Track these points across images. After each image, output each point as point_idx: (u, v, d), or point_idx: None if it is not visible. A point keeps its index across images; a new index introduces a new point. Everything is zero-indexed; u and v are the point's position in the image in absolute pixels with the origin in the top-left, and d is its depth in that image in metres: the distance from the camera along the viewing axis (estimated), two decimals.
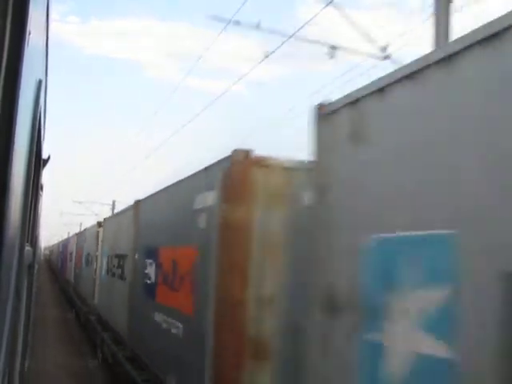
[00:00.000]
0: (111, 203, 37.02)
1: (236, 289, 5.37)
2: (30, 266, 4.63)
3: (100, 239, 15.74)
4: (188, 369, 6.47)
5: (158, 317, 7.92)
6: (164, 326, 7.57)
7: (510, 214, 2.28)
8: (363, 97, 3.51)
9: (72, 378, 12.67)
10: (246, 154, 5.70)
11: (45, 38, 2.83)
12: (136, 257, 10.12)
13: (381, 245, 3.16)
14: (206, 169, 6.60)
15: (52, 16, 3.24)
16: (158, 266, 8.32)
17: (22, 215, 2.17)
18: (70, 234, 35.57)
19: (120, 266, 11.75)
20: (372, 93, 3.42)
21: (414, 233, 2.91)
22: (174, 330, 7.11)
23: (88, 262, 18.47)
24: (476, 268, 2.44)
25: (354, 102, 3.64)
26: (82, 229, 26.83)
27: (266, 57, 9.98)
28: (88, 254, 18.69)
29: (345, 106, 3.77)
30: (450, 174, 2.68)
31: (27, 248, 3.10)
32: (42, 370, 12.22)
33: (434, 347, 2.61)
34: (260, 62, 10.36)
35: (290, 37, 9.37)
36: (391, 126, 3.25)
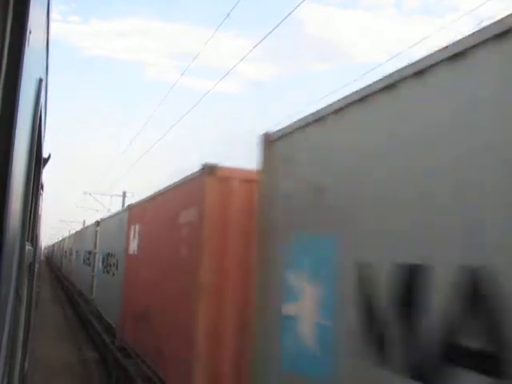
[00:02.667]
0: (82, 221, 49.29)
1: None
2: (31, 266, 4.63)
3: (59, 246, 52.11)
4: None
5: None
6: None
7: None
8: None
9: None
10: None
11: (45, 36, 2.83)
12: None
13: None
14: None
15: (52, 16, 3.23)
16: None
17: (23, 214, 2.17)
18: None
19: (59, 254, 49.62)
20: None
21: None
22: None
23: (63, 255, 42.60)
24: None
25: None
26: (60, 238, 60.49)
27: (243, 58, 10.48)
28: (64, 252, 42.15)
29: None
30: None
31: (28, 247, 3.09)
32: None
33: None
34: (241, 60, 10.65)
35: (270, 32, 9.70)
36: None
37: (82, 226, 33.36)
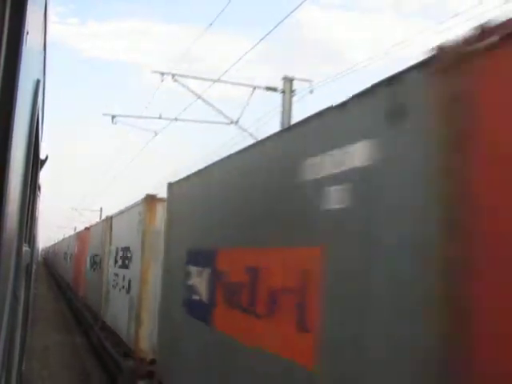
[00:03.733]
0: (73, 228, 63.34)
1: None
2: (28, 267, 4.63)
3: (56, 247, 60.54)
4: None
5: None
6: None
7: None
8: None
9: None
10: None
11: (43, 37, 2.83)
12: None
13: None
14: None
15: (51, 18, 3.23)
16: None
17: (20, 215, 2.17)
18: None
19: (54, 254, 63.27)
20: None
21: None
22: None
23: (56, 255, 54.39)
24: None
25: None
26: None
27: (237, 62, 10.95)
28: (56, 253, 54.96)
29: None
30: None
31: (25, 248, 3.09)
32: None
33: None
34: (235, 63, 10.83)
35: (262, 39, 9.88)
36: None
37: (73, 232, 45.89)
